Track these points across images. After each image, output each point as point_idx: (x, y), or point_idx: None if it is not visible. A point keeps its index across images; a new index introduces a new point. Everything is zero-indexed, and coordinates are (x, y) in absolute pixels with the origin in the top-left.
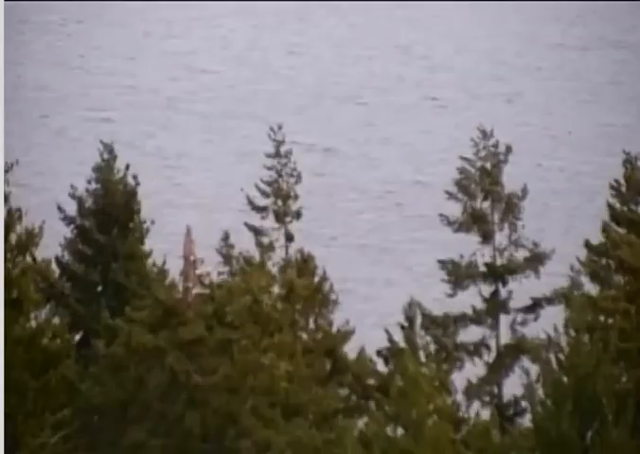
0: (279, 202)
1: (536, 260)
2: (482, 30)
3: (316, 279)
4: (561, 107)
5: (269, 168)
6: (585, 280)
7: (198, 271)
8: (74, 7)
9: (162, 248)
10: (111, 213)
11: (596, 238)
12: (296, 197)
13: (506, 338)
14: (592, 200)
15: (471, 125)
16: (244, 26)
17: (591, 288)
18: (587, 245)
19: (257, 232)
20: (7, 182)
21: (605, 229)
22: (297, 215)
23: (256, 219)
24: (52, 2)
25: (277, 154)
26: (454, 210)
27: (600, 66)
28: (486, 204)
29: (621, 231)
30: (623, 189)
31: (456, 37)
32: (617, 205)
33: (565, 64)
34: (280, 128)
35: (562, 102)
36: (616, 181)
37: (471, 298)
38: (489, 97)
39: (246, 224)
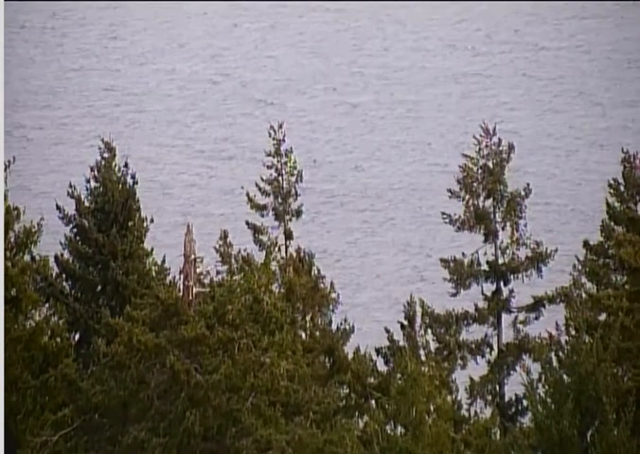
0: (279, 201)
1: (538, 259)
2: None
3: (313, 277)
4: (559, 105)
5: (269, 167)
6: (585, 279)
7: (198, 270)
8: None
9: (162, 246)
10: (110, 212)
11: (595, 238)
12: (297, 195)
13: (507, 336)
14: (592, 198)
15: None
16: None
17: (590, 288)
18: (586, 245)
19: (256, 230)
20: (4, 180)
21: (604, 228)
22: (297, 213)
23: (255, 218)
24: (28, 2)
25: (277, 153)
26: (457, 208)
27: (598, 65)
28: (488, 203)
29: (620, 230)
30: (622, 188)
31: (411, 36)
32: (616, 204)
33: (562, 63)
34: (281, 126)
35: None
36: (615, 179)
37: (473, 297)
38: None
39: (247, 222)
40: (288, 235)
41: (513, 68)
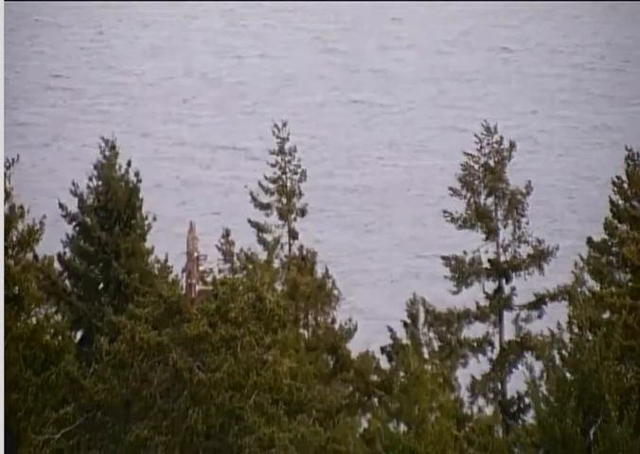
0: (283, 200)
1: (540, 257)
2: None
3: (319, 276)
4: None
5: (273, 165)
6: (587, 277)
7: (201, 268)
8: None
9: (164, 244)
10: (112, 210)
11: (599, 236)
12: (301, 194)
13: (509, 334)
14: (595, 197)
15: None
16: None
17: (593, 285)
18: (589, 242)
19: (260, 229)
20: (8, 178)
21: (607, 226)
22: (302, 212)
23: (260, 216)
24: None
25: (281, 151)
26: (458, 206)
27: (599, 65)
28: (490, 201)
29: (624, 227)
30: (625, 186)
31: (382, 37)
32: (620, 202)
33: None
34: (285, 125)
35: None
36: (619, 177)
37: (474, 295)
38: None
39: (249, 221)
40: (292, 235)
41: (508, 66)
